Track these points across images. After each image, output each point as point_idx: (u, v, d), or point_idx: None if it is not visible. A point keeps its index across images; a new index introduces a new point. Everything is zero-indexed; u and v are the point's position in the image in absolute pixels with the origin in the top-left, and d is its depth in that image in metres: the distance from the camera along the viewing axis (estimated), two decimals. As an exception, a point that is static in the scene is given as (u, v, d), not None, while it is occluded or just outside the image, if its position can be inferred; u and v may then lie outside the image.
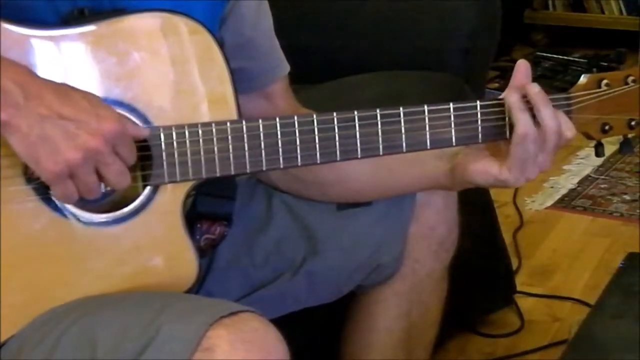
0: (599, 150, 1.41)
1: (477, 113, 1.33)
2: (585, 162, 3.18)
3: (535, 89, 1.30)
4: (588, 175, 3.11)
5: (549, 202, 2.95)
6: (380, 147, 1.31)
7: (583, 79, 1.38)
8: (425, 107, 1.32)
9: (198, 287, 1.36)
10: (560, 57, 4.09)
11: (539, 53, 4.18)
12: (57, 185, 1.15)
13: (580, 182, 3.07)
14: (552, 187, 3.04)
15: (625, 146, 1.42)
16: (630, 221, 2.78)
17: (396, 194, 1.49)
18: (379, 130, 1.30)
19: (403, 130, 1.31)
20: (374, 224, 1.51)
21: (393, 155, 1.34)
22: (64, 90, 1.14)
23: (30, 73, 1.14)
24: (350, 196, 1.50)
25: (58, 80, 1.18)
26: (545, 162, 1.32)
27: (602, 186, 3.04)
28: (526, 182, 1.33)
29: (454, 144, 1.34)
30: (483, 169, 1.34)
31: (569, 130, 1.32)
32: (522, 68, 1.33)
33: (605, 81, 1.37)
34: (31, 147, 1.12)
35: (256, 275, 1.51)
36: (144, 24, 1.24)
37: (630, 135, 1.40)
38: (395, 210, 1.51)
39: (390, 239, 1.51)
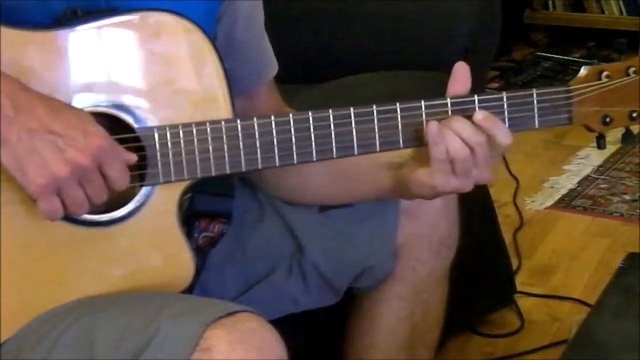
0: (600, 142, 1.41)
1: (475, 107, 1.33)
2: (585, 162, 3.17)
3: (433, 127, 1.29)
4: (588, 175, 3.10)
5: (549, 202, 2.94)
6: (377, 143, 1.31)
7: (583, 71, 1.37)
8: (422, 102, 1.32)
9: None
10: (560, 57, 4.09)
11: (539, 53, 4.18)
12: (43, 199, 1.14)
13: (580, 182, 3.06)
14: (552, 187, 3.04)
15: (627, 137, 1.42)
16: (630, 221, 2.78)
17: (358, 200, 1.50)
18: (376, 127, 1.30)
19: (400, 126, 1.31)
20: (357, 225, 1.51)
21: (350, 164, 1.36)
22: (54, 106, 1.15)
23: (21, 86, 1.14)
24: (322, 200, 1.51)
25: (51, 81, 1.18)
26: (480, 174, 1.32)
27: (602, 186, 3.03)
28: (461, 191, 1.34)
29: None
30: (417, 179, 1.35)
31: (504, 138, 1.31)
32: (460, 72, 1.33)
33: (605, 73, 1.37)
34: (19, 160, 1.12)
35: (251, 271, 1.51)
36: (137, 23, 1.23)
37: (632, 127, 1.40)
38: (379, 211, 1.50)
39: (376, 241, 1.51)
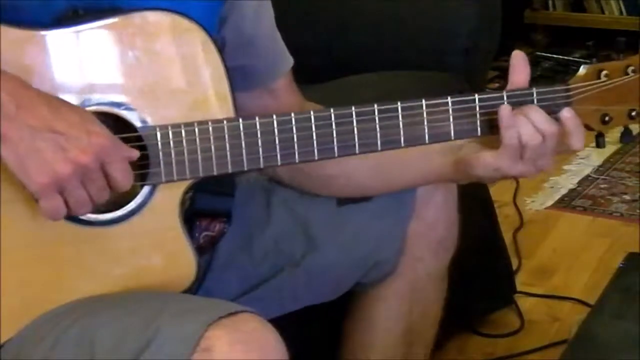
0: (599, 140, 1.41)
1: (475, 107, 1.33)
2: (585, 162, 3.18)
3: (505, 111, 1.31)
4: (588, 175, 3.11)
5: (549, 202, 2.94)
6: (379, 142, 1.31)
7: (582, 70, 1.38)
8: (424, 101, 1.32)
9: (197, 285, 1.36)
10: (560, 57, 4.09)
11: (539, 53, 4.19)
12: (45, 198, 1.14)
13: (580, 182, 3.07)
14: (552, 187, 3.04)
15: (626, 136, 1.42)
16: (630, 221, 2.78)
17: (400, 188, 1.50)
18: (377, 126, 1.31)
19: (401, 125, 1.31)
20: (373, 220, 1.51)
21: (398, 153, 1.35)
22: (56, 104, 1.15)
23: (23, 84, 1.14)
24: (353, 190, 1.50)
25: (52, 80, 1.18)
26: (544, 164, 1.34)
27: (602, 186, 3.03)
28: (523, 177, 1.36)
29: (452, 137, 1.34)
30: (483, 160, 1.35)
31: (578, 142, 1.33)
32: (520, 58, 1.35)
33: (604, 72, 1.37)
34: (21, 159, 1.12)
35: (255, 273, 1.51)
36: (138, 22, 1.23)
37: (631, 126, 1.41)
38: (395, 206, 1.51)
39: (389, 235, 1.51)
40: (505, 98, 1.34)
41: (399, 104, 1.31)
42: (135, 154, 1.19)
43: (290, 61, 1.50)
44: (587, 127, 1.38)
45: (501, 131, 1.31)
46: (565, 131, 1.33)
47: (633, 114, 1.38)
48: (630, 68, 1.37)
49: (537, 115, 1.32)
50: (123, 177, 1.17)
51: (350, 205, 1.51)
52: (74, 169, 1.13)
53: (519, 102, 1.34)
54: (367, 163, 1.44)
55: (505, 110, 1.31)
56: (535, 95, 1.35)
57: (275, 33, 1.48)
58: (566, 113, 1.33)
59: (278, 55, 1.49)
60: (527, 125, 1.31)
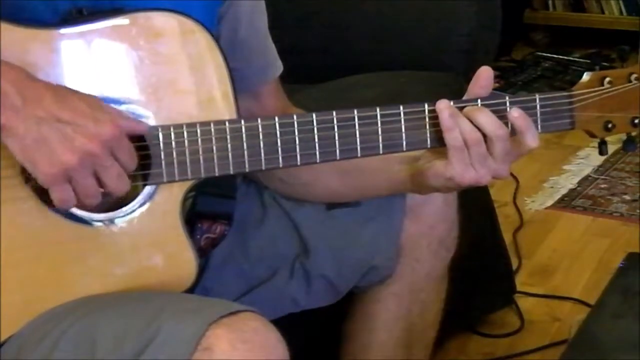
0: (602, 148, 1.40)
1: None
2: (585, 162, 3.17)
3: (444, 113, 1.29)
4: (588, 175, 3.11)
5: (549, 202, 2.94)
6: (380, 145, 1.31)
7: (586, 76, 1.37)
8: (426, 105, 1.32)
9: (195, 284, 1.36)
10: (560, 57, 4.09)
11: (539, 53, 4.18)
12: (54, 188, 1.14)
13: (580, 182, 3.07)
14: (552, 187, 3.04)
15: (629, 144, 1.41)
16: (630, 221, 2.78)
17: (372, 195, 1.49)
18: (379, 129, 1.30)
19: (403, 129, 1.31)
20: (363, 224, 1.51)
21: (361, 159, 1.33)
22: (62, 93, 1.15)
23: (28, 76, 1.14)
24: (331, 196, 1.50)
25: (56, 79, 1.18)
26: (497, 169, 1.31)
27: (602, 186, 3.03)
28: (477, 184, 1.32)
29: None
30: (434, 170, 1.34)
31: (532, 140, 1.30)
32: (484, 75, 1.32)
33: (608, 79, 1.36)
34: (28, 150, 1.12)
35: (252, 272, 1.52)
36: (142, 23, 1.23)
37: (633, 133, 1.40)
38: (385, 210, 1.51)
39: (382, 240, 1.51)
40: (507, 104, 1.32)
41: (401, 108, 1.30)
42: (143, 127, 1.20)
43: (279, 68, 1.50)
44: (590, 134, 1.38)
45: (444, 135, 1.29)
46: (517, 131, 1.30)
47: (636, 121, 1.38)
48: (634, 75, 1.36)
49: (477, 113, 1.29)
50: (128, 161, 1.17)
51: (339, 209, 1.51)
52: (81, 157, 1.13)
53: (524, 108, 1.32)
54: (334, 171, 1.43)
55: (444, 112, 1.29)
56: (538, 101, 1.34)
57: (267, 39, 1.48)
58: (514, 113, 1.30)
59: (267, 61, 1.48)
60: (465, 123, 1.29)
